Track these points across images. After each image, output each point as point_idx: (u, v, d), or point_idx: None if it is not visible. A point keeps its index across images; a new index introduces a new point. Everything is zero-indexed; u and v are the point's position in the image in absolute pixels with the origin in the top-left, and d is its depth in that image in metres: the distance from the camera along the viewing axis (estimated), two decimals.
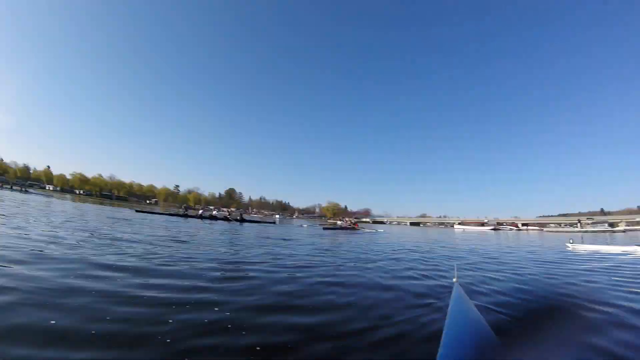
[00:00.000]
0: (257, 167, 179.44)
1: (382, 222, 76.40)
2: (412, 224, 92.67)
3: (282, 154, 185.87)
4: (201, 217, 22.25)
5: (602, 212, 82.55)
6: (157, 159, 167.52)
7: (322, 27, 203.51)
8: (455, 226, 67.83)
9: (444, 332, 1.30)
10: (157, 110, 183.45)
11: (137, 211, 22.29)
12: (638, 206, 78.78)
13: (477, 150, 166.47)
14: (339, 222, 28.62)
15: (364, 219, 30.74)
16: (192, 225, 14.11)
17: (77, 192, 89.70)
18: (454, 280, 2.40)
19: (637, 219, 64.01)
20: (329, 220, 60.82)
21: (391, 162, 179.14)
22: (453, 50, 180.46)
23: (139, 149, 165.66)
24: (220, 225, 16.80)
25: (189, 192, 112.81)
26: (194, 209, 34.99)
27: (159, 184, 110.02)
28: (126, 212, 20.11)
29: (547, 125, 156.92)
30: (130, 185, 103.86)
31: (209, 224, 17.19)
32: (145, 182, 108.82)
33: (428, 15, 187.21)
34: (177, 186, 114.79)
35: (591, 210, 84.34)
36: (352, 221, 27.19)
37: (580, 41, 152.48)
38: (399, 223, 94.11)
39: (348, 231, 21.14)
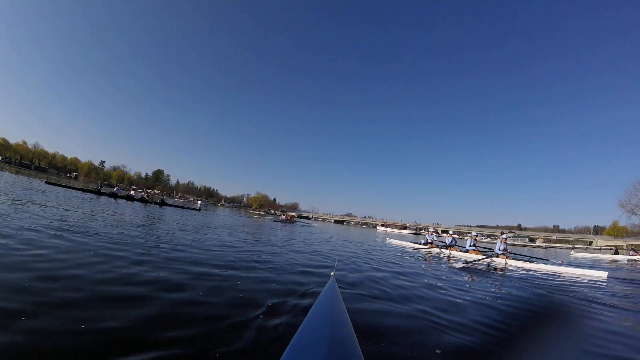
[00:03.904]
0: (191, 152, 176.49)
1: (307, 218, 78.29)
2: (336, 221, 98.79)
3: (218, 141, 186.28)
4: (115, 195, 20.50)
5: (520, 228, 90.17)
6: (89, 130, 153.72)
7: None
8: (379, 228, 71.51)
9: (304, 320, 1.38)
10: (95, 83, 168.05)
11: (47, 182, 21.24)
12: (554, 225, 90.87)
13: (406, 162, 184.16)
14: (281, 217, 33.12)
15: (289, 213, 35.08)
16: (91, 203, 12.82)
17: None
18: (332, 273, 2.48)
19: (553, 237, 75.70)
20: (251, 211, 76.26)
21: (324, 161, 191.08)
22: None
23: (71, 116, 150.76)
24: (131, 206, 15.58)
25: (114, 169, 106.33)
26: (111, 187, 32.29)
27: (84, 158, 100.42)
28: (35, 183, 19.81)
29: (470, 148, 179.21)
30: (53, 156, 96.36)
31: (115, 203, 15.97)
32: (70, 154, 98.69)
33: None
34: (103, 162, 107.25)
35: (509, 225, 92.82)
36: (292, 215, 33.58)
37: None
38: (323, 220, 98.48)
39: (287, 223, 24.69)
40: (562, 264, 9.26)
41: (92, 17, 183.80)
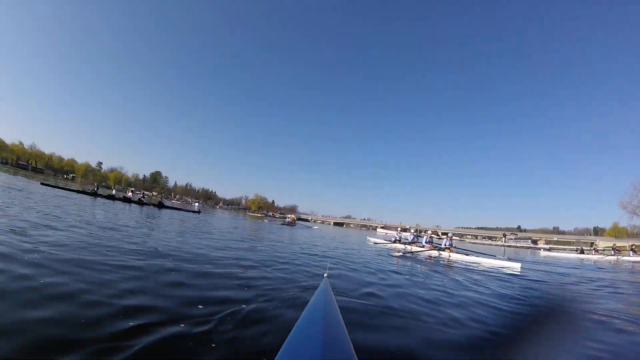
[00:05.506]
0: (189, 154, 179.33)
1: (306, 220, 79.00)
2: (335, 224, 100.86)
3: (215, 144, 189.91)
4: (113, 197, 21.53)
5: (519, 229, 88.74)
6: (86, 132, 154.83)
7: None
8: (378, 230, 71.10)
9: (296, 323, 1.36)
10: (91, 84, 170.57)
11: (42, 184, 21.95)
12: (554, 227, 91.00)
13: (407, 164, 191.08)
14: (286, 219, 35.84)
15: (292, 216, 37.91)
16: (89, 205, 12.80)
17: None
18: (325, 274, 2.48)
19: (554, 238, 76.40)
20: (249, 213, 77.96)
21: (325, 164, 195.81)
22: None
23: (67, 117, 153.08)
24: (128, 208, 16.01)
25: (112, 170, 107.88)
26: (108, 188, 33.67)
27: (81, 159, 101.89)
28: (31, 184, 20.47)
29: (472, 151, 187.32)
30: (50, 157, 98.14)
31: (112, 204, 16.41)
32: (67, 155, 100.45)
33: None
34: (100, 163, 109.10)
35: (509, 227, 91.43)
36: (294, 218, 36.67)
37: None
38: (323, 222, 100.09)
39: (291, 226, 27.54)
40: (508, 260, 10.69)
41: (85, 17, 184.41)
